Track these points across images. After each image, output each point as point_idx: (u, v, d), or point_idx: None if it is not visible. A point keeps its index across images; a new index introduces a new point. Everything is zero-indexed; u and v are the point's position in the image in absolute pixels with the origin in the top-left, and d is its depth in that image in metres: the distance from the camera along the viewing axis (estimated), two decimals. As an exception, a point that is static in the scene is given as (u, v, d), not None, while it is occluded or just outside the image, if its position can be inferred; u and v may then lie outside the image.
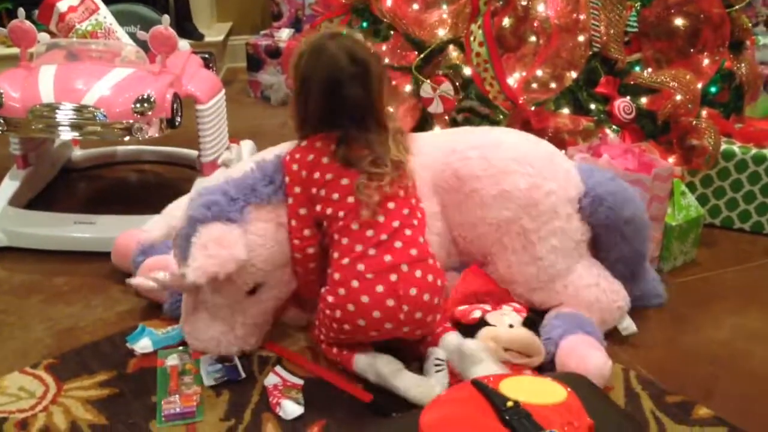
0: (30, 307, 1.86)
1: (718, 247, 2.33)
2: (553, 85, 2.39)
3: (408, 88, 2.53)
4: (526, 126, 2.37)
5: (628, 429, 0.88)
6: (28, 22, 2.28)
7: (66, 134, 2.12)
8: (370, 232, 1.54)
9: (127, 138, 2.15)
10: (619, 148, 2.16)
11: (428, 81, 2.45)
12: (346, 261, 1.53)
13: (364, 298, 1.50)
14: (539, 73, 2.39)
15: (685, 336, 1.84)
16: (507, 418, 0.77)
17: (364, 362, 1.57)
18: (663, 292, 1.97)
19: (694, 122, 2.34)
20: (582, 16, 2.39)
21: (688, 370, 1.70)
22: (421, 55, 2.52)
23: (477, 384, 0.83)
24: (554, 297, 1.76)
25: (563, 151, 2.15)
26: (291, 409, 1.48)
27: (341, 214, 1.56)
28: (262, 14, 4.01)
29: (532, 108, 2.37)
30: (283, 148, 1.70)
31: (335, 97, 1.57)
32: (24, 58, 2.25)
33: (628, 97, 2.38)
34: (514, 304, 1.73)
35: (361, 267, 1.52)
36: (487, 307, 1.69)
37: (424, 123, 2.50)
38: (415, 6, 2.61)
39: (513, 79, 2.39)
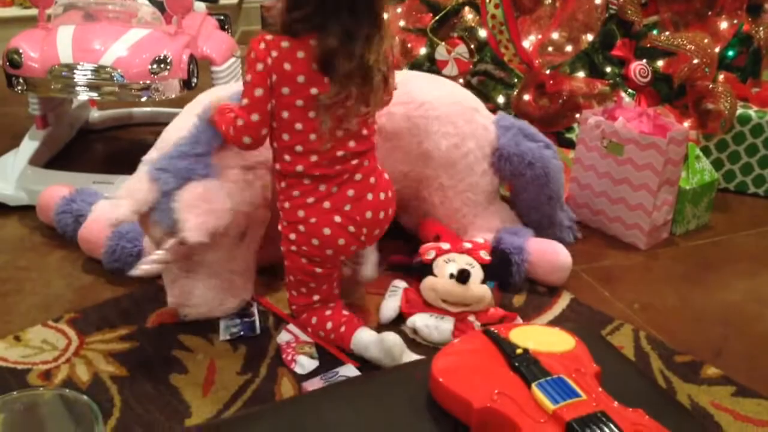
0: (51, 263, 1.90)
1: (732, 212, 2.34)
2: (568, 47, 2.38)
3: (423, 50, 2.53)
4: (540, 89, 2.37)
5: (635, 377, 0.90)
6: (47, -17, 2.29)
7: (84, 94, 2.14)
8: (330, 163, 1.47)
9: (143, 99, 2.17)
10: (635, 111, 2.16)
11: (443, 43, 2.44)
12: (297, 195, 1.49)
13: (326, 231, 1.50)
14: (555, 35, 2.38)
15: (696, 298, 1.86)
16: (516, 364, 0.80)
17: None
18: (568, 237, 2.07)
19: (711, 86, 2.33)
20: (599, -22, 2.37)
21: (698, 332, 1.72)
22: (437, 17, 2.51)
23: (488, 333, 0.86)
24: (466, 235, 1.90)
25: (574, 117, 2.17)
26: (307, 363, 1.52)
27: (299, 126, 1.45)
28: (277, -23, 4.00)
29: (547, 71, 2.36)
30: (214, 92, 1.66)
31: None
32: (42, 19, 2.27)
33: (645, 60, 2.37)
34: (478, 240, 1.79)
35: (314, 203, 1.49)
36: (445, 245, 1.76)
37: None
38: (431, -32, 2.59)
39: (528, 42, 2.38)
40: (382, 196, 1.54)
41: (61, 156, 2.51)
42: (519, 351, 0.81)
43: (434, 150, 1.84)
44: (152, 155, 1.66)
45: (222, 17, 2.73)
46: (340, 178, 1.49)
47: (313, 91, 1.42)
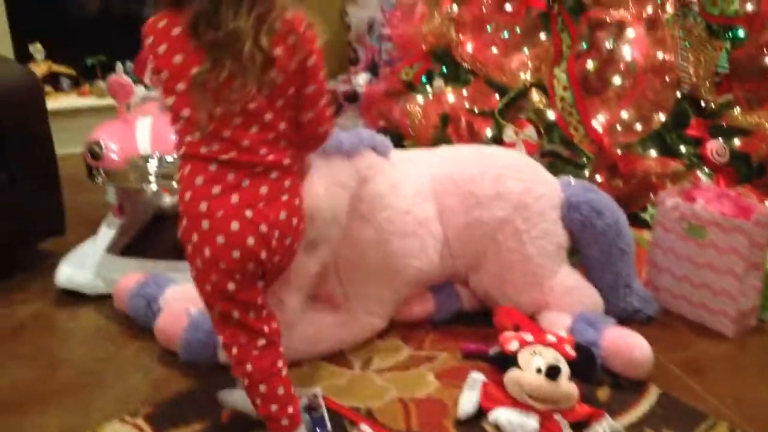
0: (127, 355, 1.90)
1: (823, 296, 2.21)
2: (639, 127, 2.35)
3: (489, 132, 2.53)
4: (612, 169, 2.34)
5: None
6: (125, 77, 2.40)
7: (161, 184, 2.19)
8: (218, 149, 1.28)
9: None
10: (714, 191, 2.09)
11: (511, 125, 2.44)
12: (201, 182, 1.30)
13: (234, 225, 1.29)
14: (625, 115, 2.36)
15: (792, 391, 1.75)
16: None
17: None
18: (650, 309, 2.02)
19: (791, 164, 2.26)
20: (669, 57, 2.35)
21: (799, 429, 1.61)
22: (504, 100, 2.52)
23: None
24: (541, 299, 1.90)
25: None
26: (386, 464, 1.47)
27: (185, 113, 1.29)
28: (340, 60, 4.09)
29: (619, 151, 2.33)
30: None
31: None
32: (122, 111, 2.35)
33: (721, 139, 2.32)
34: (561, 334, 1.74)
35: (220, 194, 1.29)
36: (528, 336, 1.71)
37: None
38: (496, 50, 2.62)
39: (598, 122, 2.36)
40: (296, 202, 1.38)
41: (137, 242, 2.56)
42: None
43: (507, 192, 1.89)
44: None
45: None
46: (252, 171, 1.30)
47: (195, 71, 1.26)
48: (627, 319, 1.95)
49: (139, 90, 2.47)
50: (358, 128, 1.91)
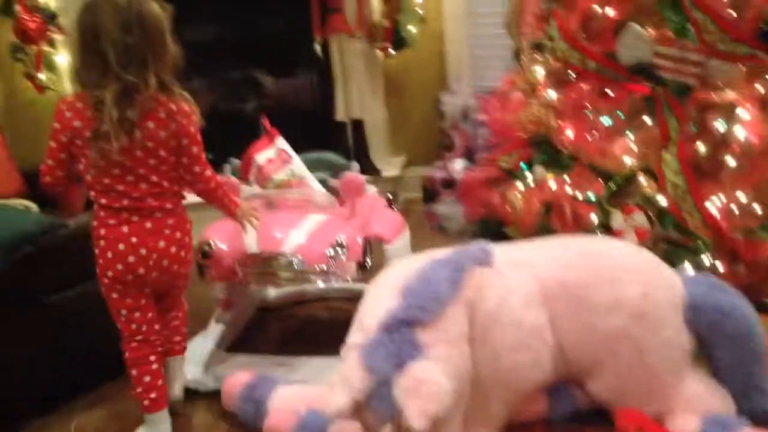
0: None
1: None
2: (760, 211, 2.22)
3: (595, 219, 2.45)
4: (734, 256, 2.20)
5: None
6: (233, 178, 2.48)
7: (267, 282, 2.23)
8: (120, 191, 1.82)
9: (320, 282, 2.23)
10: None
11: (619, 212, 2.36)
12: (103, 216, 1.84)
13: (121, 246, 1.83)
14: (743, 198, 2.24)
15: None
16: None
17: None
18: None
19: None
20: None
21: None
22: (609, 186, 2.45)
23: None
24: (665, 407, 1.77)
25: None
26: None
27: (92, 172, 1.81)
28: (436, 146, 4.12)
29: (740, 236, 2.20)
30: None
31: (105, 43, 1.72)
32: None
33: None
34: None
35: (115, 224, 1.83)
36: None
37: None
38: (597, 135, 2.57)
39: (714, 206, 2.25)
40: (177, 235, 1.91)
41: (243, 337, 2.59)
42: None
43: (623, 299, 1.77)
44: (356, 339, 1.64)
45: (389, 195, 2.82)
46: (140, 212, 1.84)
47: (100, 143, 1.76)
48: (758, 421, 1.79)
49: (245, 189, 2.54)
50: (457, 249, 1.82)
